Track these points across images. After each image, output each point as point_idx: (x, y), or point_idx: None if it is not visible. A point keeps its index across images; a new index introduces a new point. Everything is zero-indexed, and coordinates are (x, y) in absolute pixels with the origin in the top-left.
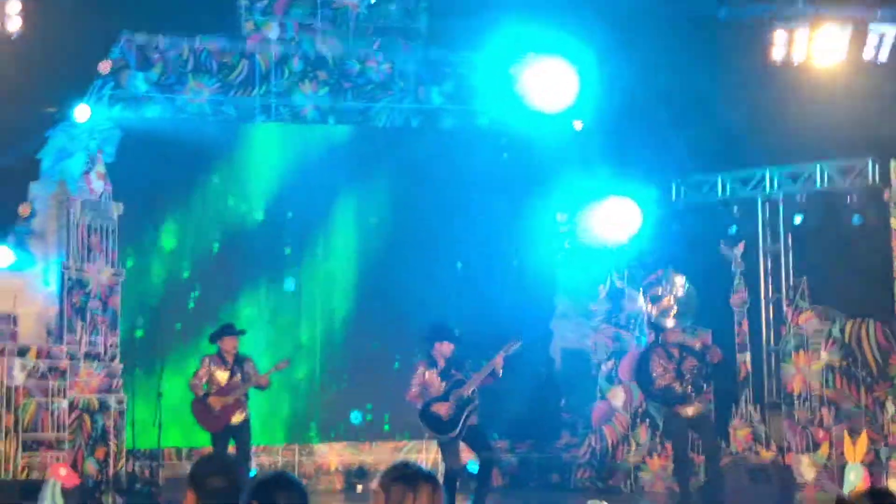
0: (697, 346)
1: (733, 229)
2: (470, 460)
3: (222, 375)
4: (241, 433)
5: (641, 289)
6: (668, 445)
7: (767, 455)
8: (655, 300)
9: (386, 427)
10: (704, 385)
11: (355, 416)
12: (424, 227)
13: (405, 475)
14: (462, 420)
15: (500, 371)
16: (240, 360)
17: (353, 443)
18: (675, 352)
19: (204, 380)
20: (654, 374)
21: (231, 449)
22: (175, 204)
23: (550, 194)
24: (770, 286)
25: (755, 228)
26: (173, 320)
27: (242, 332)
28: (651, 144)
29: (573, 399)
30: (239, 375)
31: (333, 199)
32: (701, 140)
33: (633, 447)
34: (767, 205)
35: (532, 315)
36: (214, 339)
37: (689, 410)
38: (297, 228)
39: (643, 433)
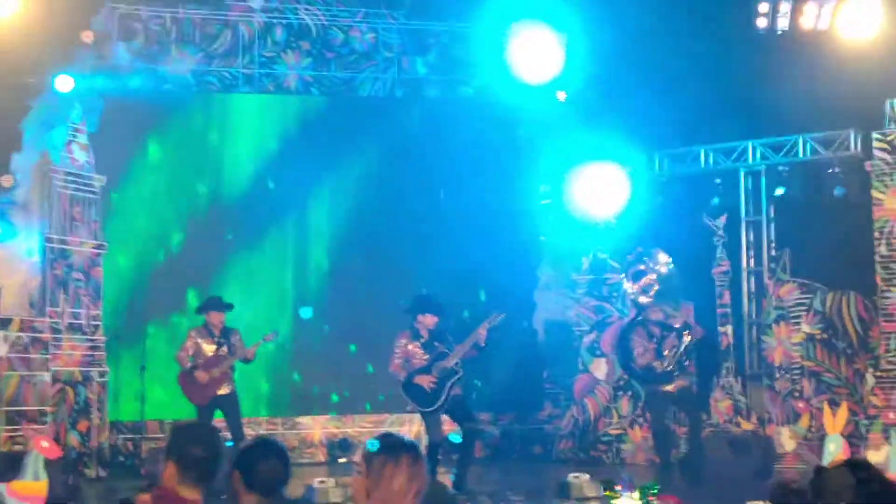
0: (678, 323)
1: (716, 201)
2: (452, 432)
3: (209, 348)
4: (229, 406)
5: (624, 265)
6: (650, 417)
7: (748, 426)
8: (637, 277)
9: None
10: (686, 362)
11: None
12: (408, 197)
13: (387, 446)
14: (444, 392)
15: (483, 343)
16: (226, 333)
17: (337, 416)
18: (656, 330)
19: (190, 352)
20: (635, 353)
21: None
22: (159, 173)
23: (535, 165)
24: (752, 258)
25: (737, 200)
26: (157, 279)
27: (230, 307)
28: (634, 115)
29: (556, 371)
30: (226, 348)
31: (317, 170)
32: (684, 111)
33: (615, 419)
34: (750, 176)
35: (515, 286)
36: (201, 311)
37: (671, 387)
38: (279, 198)
39: (625, 405)
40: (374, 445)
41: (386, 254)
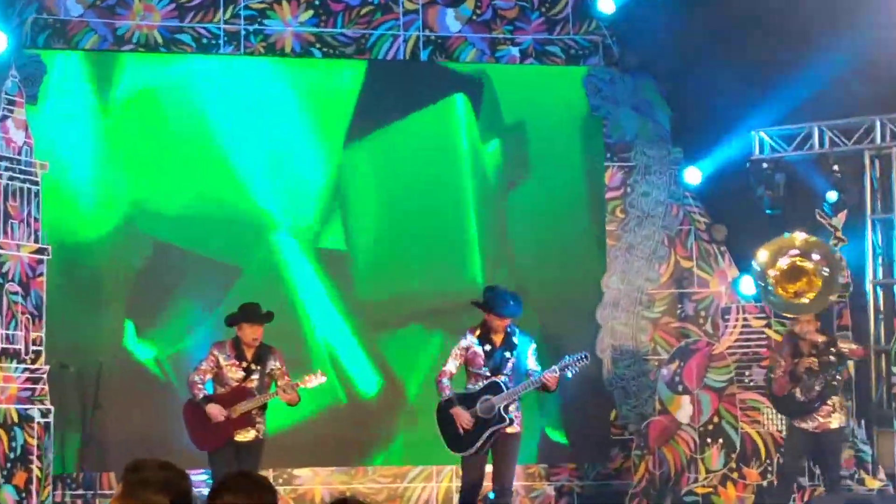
0: (823, 338)
1: (833, 194)
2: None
3: (235, 374)
4: (248, 458)
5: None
6: (747, 472)
7: (874, 484)
8: (795, 275)
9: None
10: (830, 390)
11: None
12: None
13: None
14: (482, 440)
15: (555, 385)
16: (262, 356)
17: (344, 468)
18: (805, 346)
19: (208, 376)
20: (774, 376)
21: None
22: (117, 158)
23: (597, 144)
24: (880, 266)
25: (861, 192)
26: (114, 291)
27: (269, 318)
28: (729, 86)
29: (626, 411)
30: (256, 378)
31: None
32: (793, 82)
33: (702, 473)
34: (877, 162)
35: (573, 302)
36: (231, 323)
37: (809, 423)
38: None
39: (714, 456)
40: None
41: (417, 254)
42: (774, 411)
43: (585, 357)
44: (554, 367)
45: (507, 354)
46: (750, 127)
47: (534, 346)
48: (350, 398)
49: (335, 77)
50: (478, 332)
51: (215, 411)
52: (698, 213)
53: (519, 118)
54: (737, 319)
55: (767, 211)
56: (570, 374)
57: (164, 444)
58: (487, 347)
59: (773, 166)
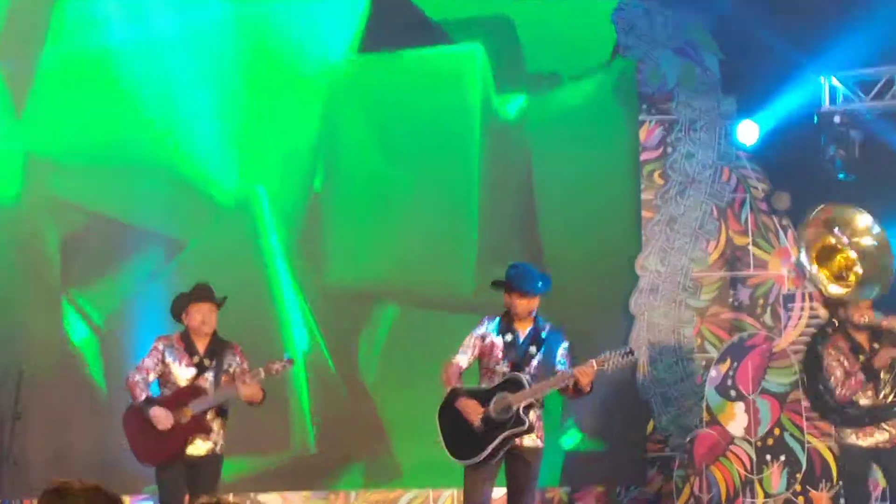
0: None
1: None
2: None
3: (183, 372)
4: (203, 475)
5: (795, 236)
6: (815, 496)
7: None
8: (827, 257)
9: None
10: None
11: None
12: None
13: None
14: (494, 445)
15: (589, 387)
16: (217, 351)
17: (321, 493)
18: (864, 339)
19: (151, 376)
20: (832, 380)
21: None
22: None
23: (630, 94)
24: None
25: None
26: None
27: (222, 302)
28: (793, 22)
29: (666, 422)
30: (211, 375)
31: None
32: (871, 15)
33: (760, 497)
34: None
35: (600, 288)
36: (178, 309)
37: (877, 436)
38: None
39: (775, 476)
40: None
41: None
42: None
43: (630, 353)
44: (591, 360)
45: (533, 349)
46: (818, 72)
47: (566, 344)
48: (325, 405)
49: (314, 14)
50: (497, 319)
51: (160, 414)
52: (755, 179)
53: (537, 63)
54: (802, 309)
55: (840, 176)
56: (609, 372)
57: (101, 463)
58: (508, 338)
59: (846, 120)
